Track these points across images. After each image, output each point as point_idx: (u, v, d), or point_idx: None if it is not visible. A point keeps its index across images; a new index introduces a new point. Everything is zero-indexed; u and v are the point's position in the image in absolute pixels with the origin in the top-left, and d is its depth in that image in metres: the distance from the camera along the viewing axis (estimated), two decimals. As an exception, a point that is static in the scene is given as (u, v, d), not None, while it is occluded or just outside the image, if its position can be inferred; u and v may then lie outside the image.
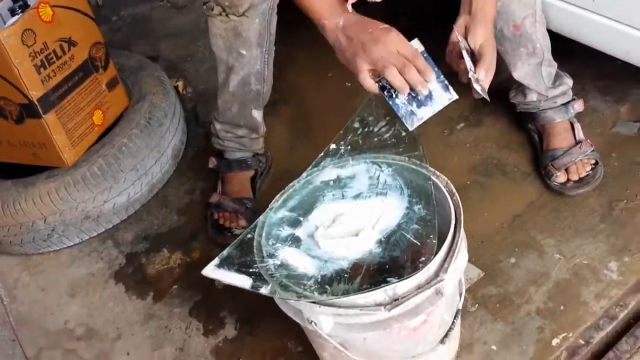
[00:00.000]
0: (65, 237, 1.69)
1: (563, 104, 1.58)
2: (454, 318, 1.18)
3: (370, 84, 1.13)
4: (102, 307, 1.58)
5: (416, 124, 1.13)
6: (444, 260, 1.05)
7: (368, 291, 1.00)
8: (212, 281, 1.15)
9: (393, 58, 1.09)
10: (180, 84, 2.08)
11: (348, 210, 1.17)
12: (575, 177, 1.53)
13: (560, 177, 1.53)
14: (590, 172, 1.53)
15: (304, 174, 1.21)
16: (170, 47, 2.36)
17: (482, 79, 1.15)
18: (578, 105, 1.60)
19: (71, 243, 1.71)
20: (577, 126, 1.59)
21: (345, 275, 1.09)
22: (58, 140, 1.62)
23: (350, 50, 1.12)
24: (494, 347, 1.30)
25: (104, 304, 1.58)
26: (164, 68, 2.00)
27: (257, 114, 1.61)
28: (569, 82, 1.58)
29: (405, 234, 1.11)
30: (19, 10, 1.61)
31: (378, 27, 1.12)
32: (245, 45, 1.45)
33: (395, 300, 1.01)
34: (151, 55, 2.23)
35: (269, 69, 1.53)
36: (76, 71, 1.65)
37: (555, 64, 1.55)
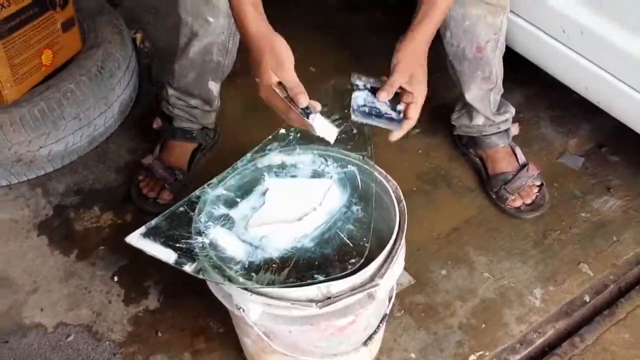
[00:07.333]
0: (-9, 177, 1.60)
1: (505, 130, 1.61)
2: (380, 322, 1.19)
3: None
4: (21, 256, 1.51)
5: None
6: (382, 265, 1.05)
7: (302, 286, 0.99)
8: (141, 247, 1.11)
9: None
10: (138, 36, 1.99)
11: (287, 195, 1.14)
12: (528, 201, 1.56)
13: (516, 201, 1.56)
14: (538, 193, 1.57)
15: (248, 155, 1.18)
16: (133, -4, 2.25)
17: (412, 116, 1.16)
18: (514, 129, 1.65)
19: (-3, 184, 1.63)
20: (518, 150, 1.63)
21: (274, 266, 1.07)
22: (1, 74, 1.54)
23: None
24: (413, 355, 1.32)
25: (23, 253, 1.51)
26: (123, 17, 1.90)
27: (214, 87, 1.56)
28: (512, 110, 1.62)
29: (340, 233, 1.10)
30: None
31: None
32: (214, 12, 1.40)
33: (328, 298, 1.00)
34: (111, 1, 2.12)
35: (234, 43, 1.47)
36: (32, 5, 1.57)
37: (502, 92, 1.58)
